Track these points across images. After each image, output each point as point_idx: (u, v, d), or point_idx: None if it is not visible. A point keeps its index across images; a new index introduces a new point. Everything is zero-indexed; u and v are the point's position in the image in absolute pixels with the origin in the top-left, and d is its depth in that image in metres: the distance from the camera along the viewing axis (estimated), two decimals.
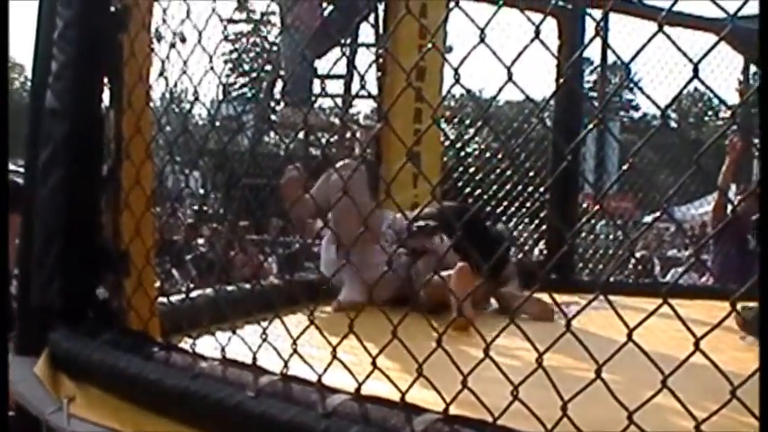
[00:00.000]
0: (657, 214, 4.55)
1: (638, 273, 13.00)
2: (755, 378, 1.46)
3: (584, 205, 8.72)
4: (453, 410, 1.84)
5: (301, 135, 8.63)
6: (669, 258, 16.36)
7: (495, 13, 1.88)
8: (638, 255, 14.32)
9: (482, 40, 1.81)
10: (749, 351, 3.89)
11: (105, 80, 3.19)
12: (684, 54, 1.59)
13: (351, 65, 8.10)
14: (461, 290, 4.36)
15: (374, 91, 7.52)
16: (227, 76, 38.70)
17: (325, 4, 7.55)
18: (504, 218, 9.83)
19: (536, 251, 10.46)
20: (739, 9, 1.62)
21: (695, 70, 1.48)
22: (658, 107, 1.66)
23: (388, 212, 5.51)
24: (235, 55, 37.84)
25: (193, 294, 4.00)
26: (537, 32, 1.74)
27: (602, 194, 3.64)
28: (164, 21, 3.05)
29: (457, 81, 1.93)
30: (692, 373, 1.60)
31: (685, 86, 1.59)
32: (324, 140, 8.91)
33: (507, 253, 5.89)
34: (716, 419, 1.51)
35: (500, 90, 1.91)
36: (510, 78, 1.77)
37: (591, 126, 8.23)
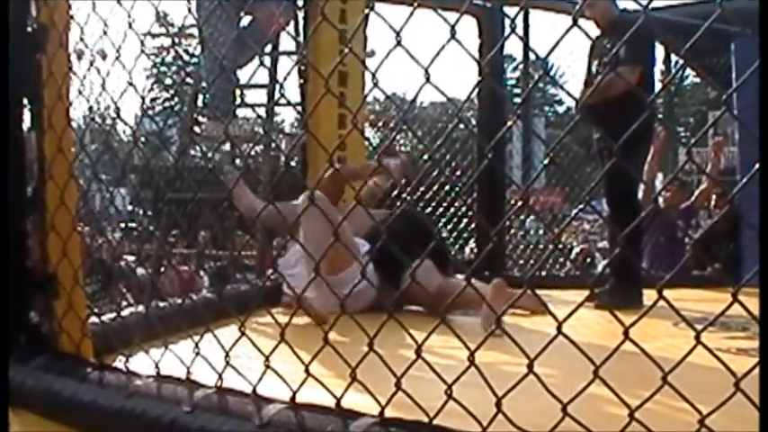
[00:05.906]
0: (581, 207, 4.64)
1: (577, 266, 13.12)
2: (686, 362, 1.48)
3: (513, 201, 8.78)
4: (390, 413, 1.85)
5: (227, 146, 8.60)
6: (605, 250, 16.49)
7: (410, 15, 1.88)
8: (578, 248, 14.48)
9: (398, 44, 1.82)
10: (683, 337, 3.94)
11: (25, 101, 3.15)
12: (594, 44, 1.61)
13: (273, 74, 8.07)
14: (497, 302, 4.30)
15: (298, 99, 7.54)
16: (150, 90, 38.54)
17: (242, 14, 7.50)
18: (434, 218, 9.87)
19: (467, 250, 10.54)
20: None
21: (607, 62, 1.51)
22: (576, 101, 1.68)
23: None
24: (156, 70, 37.66)
25: (125, 312, 3.97)
26: (453, 32, 1.75)
27: (524, 190, 3.65)
28: (81, 39, 3.02)
29: (375, 85, 1.93)
30: (625, 361, 1.62)
31: (598, 77, 1.61)
32: (248, 151, 8.88)
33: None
34: (650, 406, 1.53)
35: (419, 92, 1.92)
36: (428, 80, 1.78)
37: (510, 123, 8.29)
